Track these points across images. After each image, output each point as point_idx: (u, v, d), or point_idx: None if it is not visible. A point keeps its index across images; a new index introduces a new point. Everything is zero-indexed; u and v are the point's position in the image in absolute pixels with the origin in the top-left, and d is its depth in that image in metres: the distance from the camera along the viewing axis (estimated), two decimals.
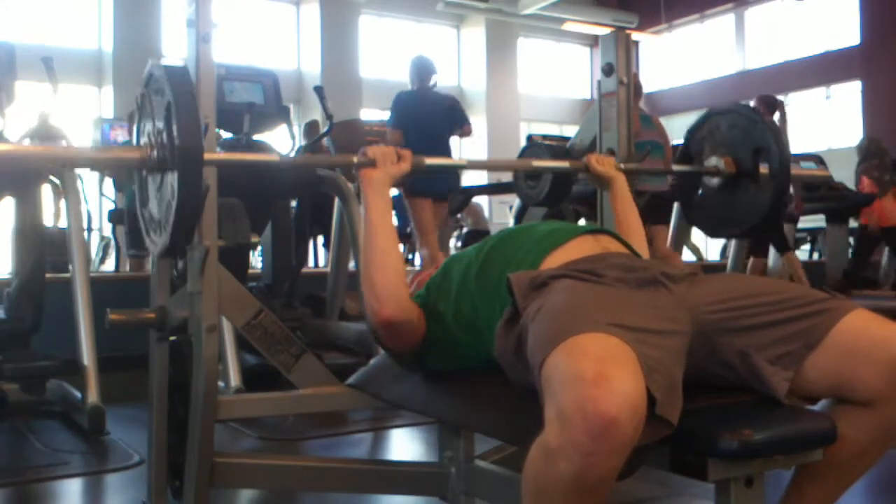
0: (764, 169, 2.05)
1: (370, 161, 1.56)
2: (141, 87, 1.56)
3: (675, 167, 2.21)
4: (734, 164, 2.07)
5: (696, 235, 8.61)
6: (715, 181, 2.12)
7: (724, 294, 1.29)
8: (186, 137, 1.38)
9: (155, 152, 1.45)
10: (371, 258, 1.48)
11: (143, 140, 1.52)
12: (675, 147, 3.68)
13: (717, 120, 2.13)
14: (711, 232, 2.32)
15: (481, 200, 9.93)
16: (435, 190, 4.69)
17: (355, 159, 1.58)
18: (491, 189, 8.02)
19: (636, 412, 0.97)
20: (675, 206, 5.18)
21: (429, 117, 4.66)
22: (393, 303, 1.44)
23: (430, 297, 1.53)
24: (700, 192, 2.21)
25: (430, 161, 1.73)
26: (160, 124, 1.45)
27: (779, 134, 2.05)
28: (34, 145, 3.26)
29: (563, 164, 2.03)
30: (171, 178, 1.43)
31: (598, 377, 0.97)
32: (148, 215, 1.61)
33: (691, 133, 2.19)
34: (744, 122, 2.08)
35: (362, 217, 1.53)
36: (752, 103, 5.67)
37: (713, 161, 2.10)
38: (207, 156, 1.48)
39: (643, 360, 1.04)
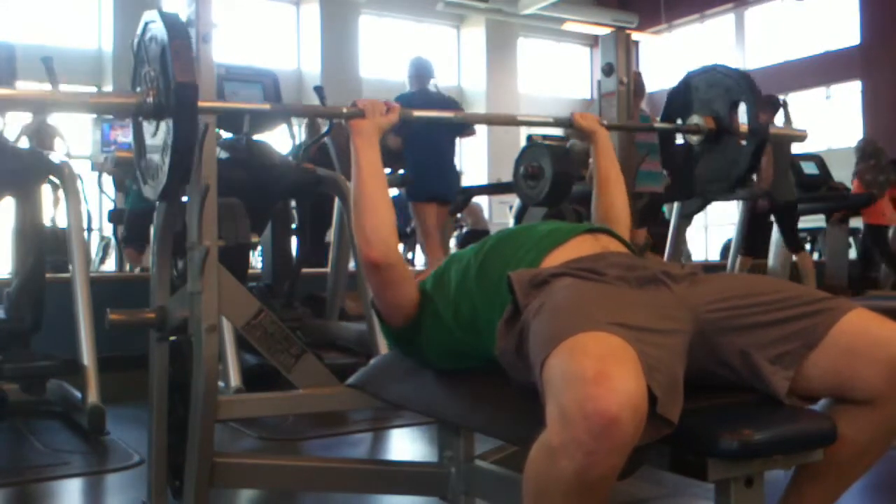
0: (744, 127, 2.08)
1: (359, 111, 1.59)
2: (136, 37, 1.59)
3: (657, 125, 2.22)
4: (714, 122, 2.09)
5: (692, 236, 8.58)
6: (696, 139, 2.14)
7: (724, 293, 1.28)
8: (182, 74, 1.41)
9: (151, 98, 1.48)
10: (361, 204, 1.51)
11: (139, 89, 1.55)
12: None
13: (696, 80, 2.16)
14: (697, 191, 2.35)
15: (482, 200, 9.92)
16: (438, 193, 4.70)
17: (344, 110, 1.61)
18: (491, 189, 8.02)
19: (637, 411, 0.97)
20: (676, 205, 5.17)
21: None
22: (381, 245, 1.47)
23: (429, 289, 1.53)
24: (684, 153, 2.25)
25: (419, 113, 1.77)
26: (156, 68, 1.48)
27: (755, 89, 2.07)
28: (28, 143, 3.26)
29: (548, 119, 2.02)
30: (168, 123, 1.46)
31: (599, 376, 0.97)
32: (144, 165, 1.64)
33: (673, 96, 2.21)
34: (722, 79, 2.11)
35: (353, 167, 1.57)
36: None
37: (694, 119, 2.12)
38: (202, 103, 1.51)
39: (644, 358, 1.04)
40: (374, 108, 1.60)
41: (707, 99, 2.12)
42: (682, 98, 2.18)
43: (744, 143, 2.09)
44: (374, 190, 1.52)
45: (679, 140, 2.31)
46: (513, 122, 2.16)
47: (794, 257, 5.52)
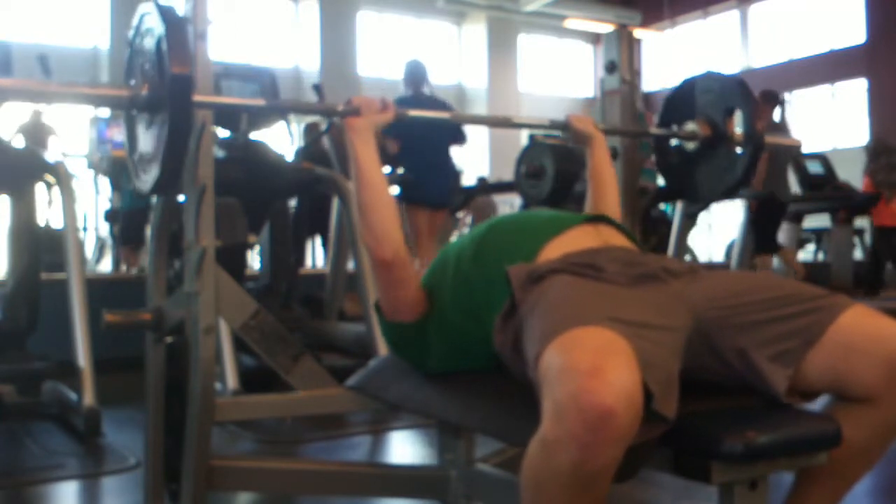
0: (740, 135, 2.08)
1: (355, 109, 1.59)
2: (132, 29, 1.59)
3: (654, 130, 2.21)
4: (709, 127, 2.09)
5: (695, 237, 8.56)
6: (692, 146, 2.14)
7: (724, 291, 1.28)
8: (177, 66, 1.42)
9: (144, 91, 1.48)
10: (364, 202, 1.52)
11: (133, 82, 1.56)
12: None
13: (693, 86, 2.16)
14: (693, 198, 2.37)
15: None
16: (432, 199, 4.75)
17: (340, 107, 1.61)
18: (492, 188, 8.00)
19: (632, 403, 0.97)
20: (679, 205, 5.16)
21: (428, 125, 4.69)
22: (389, 242, 1.47)
23: (428, 281, 1.51)
24: (680, 158, 2.25)
25: (414, 113, 1.76)
26: (151, 60, 1.48)
27: (750, 96, 2.08)
28: (26, 140, 3.25)
29: (544, 122, 2.01)
30: (162, 115, 1.46)
31: (594, 369, 0.97)
32: (138, 157, 1.63)
33: (669, 101, 2.22)
34: (717, 86, 2.11)
35: (352, 166, 1.57)
36: None
37: (690, 125, 2.13)
38: (196, 97, 1.51)
39: (639, 354, 1.03)
40: (369, 105, 1.60)
41: (704, 105, 2.12)
42: (678, 103, 2.18)
43: (739, 150, 2.09)
44: (376, 187, 1.52)
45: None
46: (508, 124, 2.12)
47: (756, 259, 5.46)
